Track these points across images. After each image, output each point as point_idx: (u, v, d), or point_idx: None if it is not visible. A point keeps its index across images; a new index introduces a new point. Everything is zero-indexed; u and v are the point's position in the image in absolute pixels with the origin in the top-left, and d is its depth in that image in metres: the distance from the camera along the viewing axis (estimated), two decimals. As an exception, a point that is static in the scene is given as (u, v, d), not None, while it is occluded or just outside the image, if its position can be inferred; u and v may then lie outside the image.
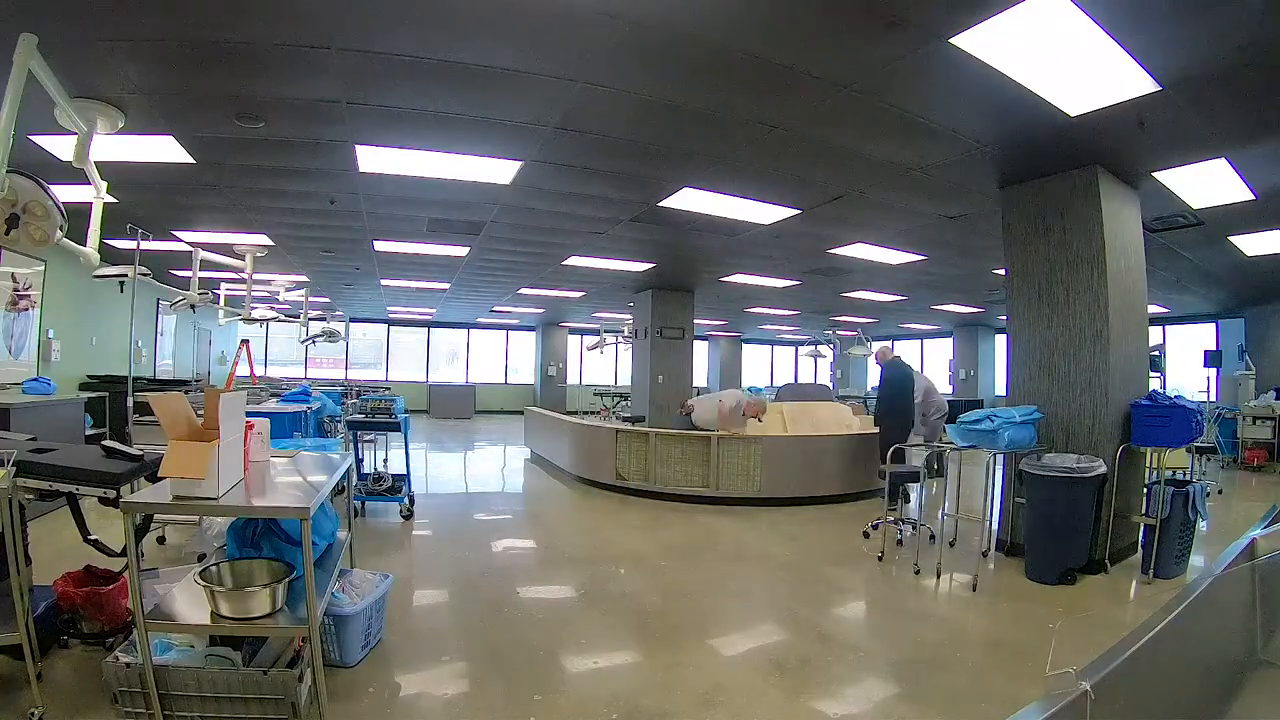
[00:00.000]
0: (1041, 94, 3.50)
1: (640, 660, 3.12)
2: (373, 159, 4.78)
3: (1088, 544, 4.35)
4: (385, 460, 7.54)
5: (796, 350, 15.60)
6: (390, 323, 18.64)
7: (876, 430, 6.69)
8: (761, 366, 23.55)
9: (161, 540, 4.56)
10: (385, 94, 3.74)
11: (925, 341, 19.22)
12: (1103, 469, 4.26)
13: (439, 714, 2.58)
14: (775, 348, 23.45)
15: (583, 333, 18.82)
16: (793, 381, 18.76)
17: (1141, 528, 4.54)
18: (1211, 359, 12.25)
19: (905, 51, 3.15)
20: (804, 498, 6.59)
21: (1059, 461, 4.36)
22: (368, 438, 7.18)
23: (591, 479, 7.36)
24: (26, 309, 7.36)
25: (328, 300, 13.62)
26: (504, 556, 4.84)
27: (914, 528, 5.19)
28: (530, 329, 19.43)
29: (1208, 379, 13.04)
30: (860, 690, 2.92)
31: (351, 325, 12.71)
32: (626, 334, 12.77)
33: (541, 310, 15.27)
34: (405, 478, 5.97)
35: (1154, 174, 4.72)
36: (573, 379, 19.67)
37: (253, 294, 6.99)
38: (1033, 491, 4.39)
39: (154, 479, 2.61)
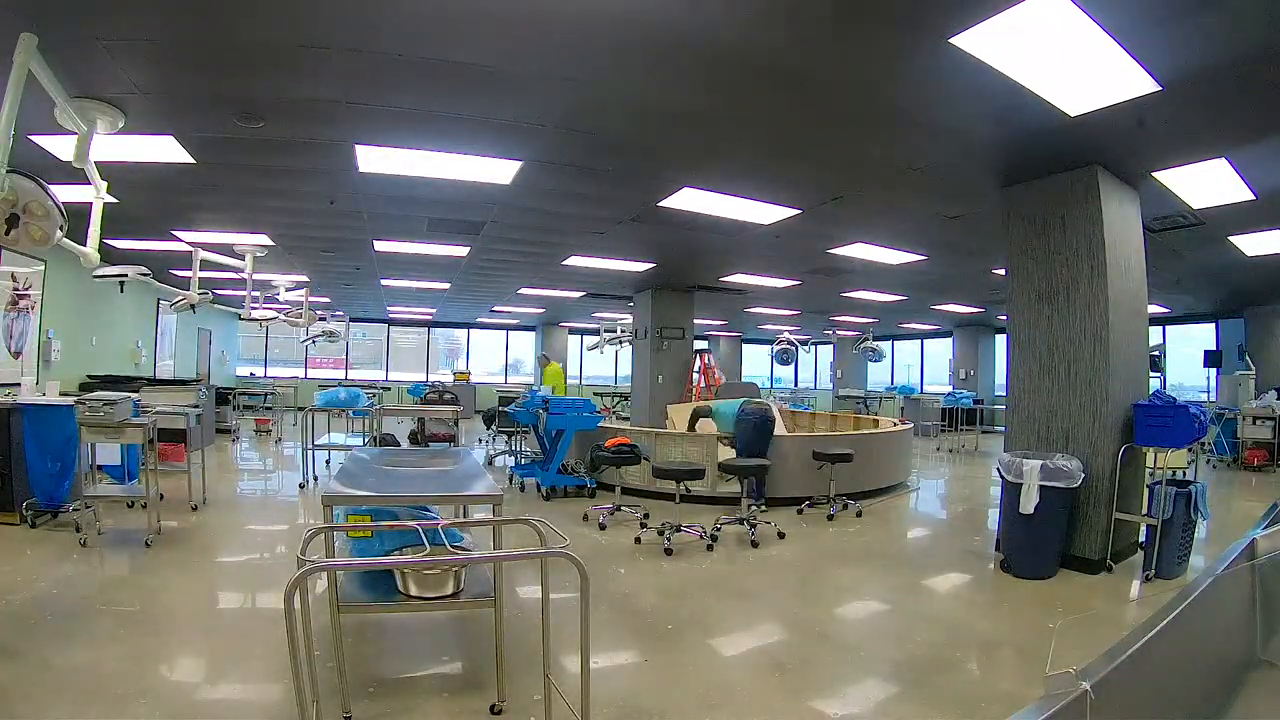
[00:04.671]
0: (1041, 94, 3.50)
1: (640, 660, 3.12)
2: (373, 159, 4.77)
3: (1062, 541, 4.43)
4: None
5: (796, 348, 15.59)
6: (390, 322, 18.65)
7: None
8: (761, 366, 23.52)
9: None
10: (385, 94, 3.74)
11: (925, 341, 19.22)
12: (1079, 480, 4.28)
13: (436, 713, 2.58)
14: (776, 347, 23.41)
15: (583, 333, 18.82)
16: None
17: (1144, 528, 4.55)
18: (1211, 359, 12.24)
19: (905, 51, 3.15)
20: (803, 498, 6.58)
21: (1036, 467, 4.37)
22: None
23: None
24: (26, 309, 7.36)
25: (328, 300, 13.62)
26: (504, 556, 4.82)
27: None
28: (530, 329, 19.43)
29: (1208, 379, 13.04)
30: (860, 689, 2.92)
31: (349, 325, 12.71)
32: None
33: (542, 310, 15.27)
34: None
35: (1154, 174, 4.71)
36: (573, 379, 19.67)
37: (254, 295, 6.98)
38: (1009, 493, 4.49)
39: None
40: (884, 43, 3.08)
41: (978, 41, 2.99)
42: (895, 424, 8.93)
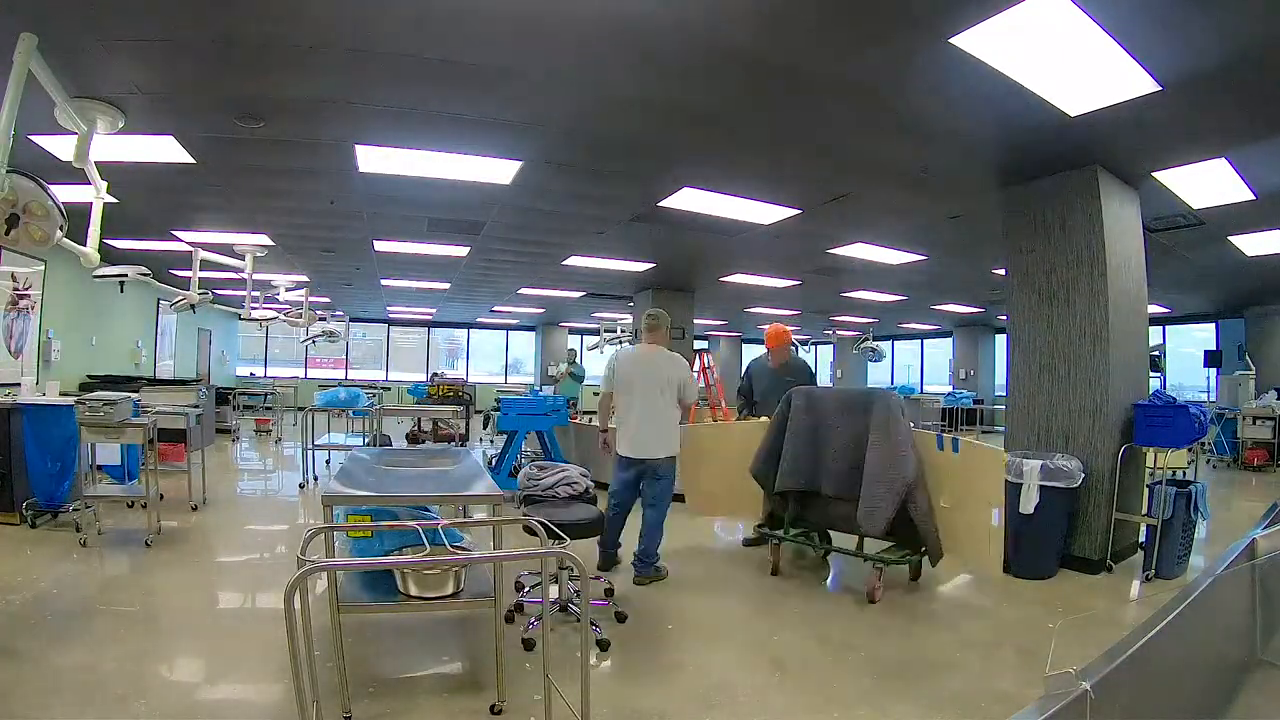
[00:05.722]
0: (1041, 94, 3.50)
1: (640, 660, 3.11)
2: (373, 159, 4.77)
3: (1062, 541, 4.44)
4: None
5: (796, 348, 15.66)
6: (390, 322, 18.65)
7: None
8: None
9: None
10: (385, 94, 3.74)
11: (925, 341, 19.22)
12: (1079, 480, 4.29)
13: (436, 713, 2.58)
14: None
15: (583, 332, 18.81)
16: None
17: (1144, 527, 4.55)
18: (1211, 359, 12.24)
19: (905, 51, 3.15)
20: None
21: (1035, 467, 4.37)
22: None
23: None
24: (26, 309, 7.36)
25: (328, 300, 13.63)
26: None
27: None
28: (530, 329, 19.43)
29: (1208, 379, 13.04)
30: (860, 689, 2.92)
31: (349, 325, 12.71)
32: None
33: (542, 310, 15.27)
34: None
35: (1154, 174, 4.71)
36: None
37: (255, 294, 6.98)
38: (1008, 493, 4.45)
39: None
40: (884, 43, 3.08)
41: (978, 41, 2.99)
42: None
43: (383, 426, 8.02)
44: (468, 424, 10.01)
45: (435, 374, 13.38)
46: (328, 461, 7.82)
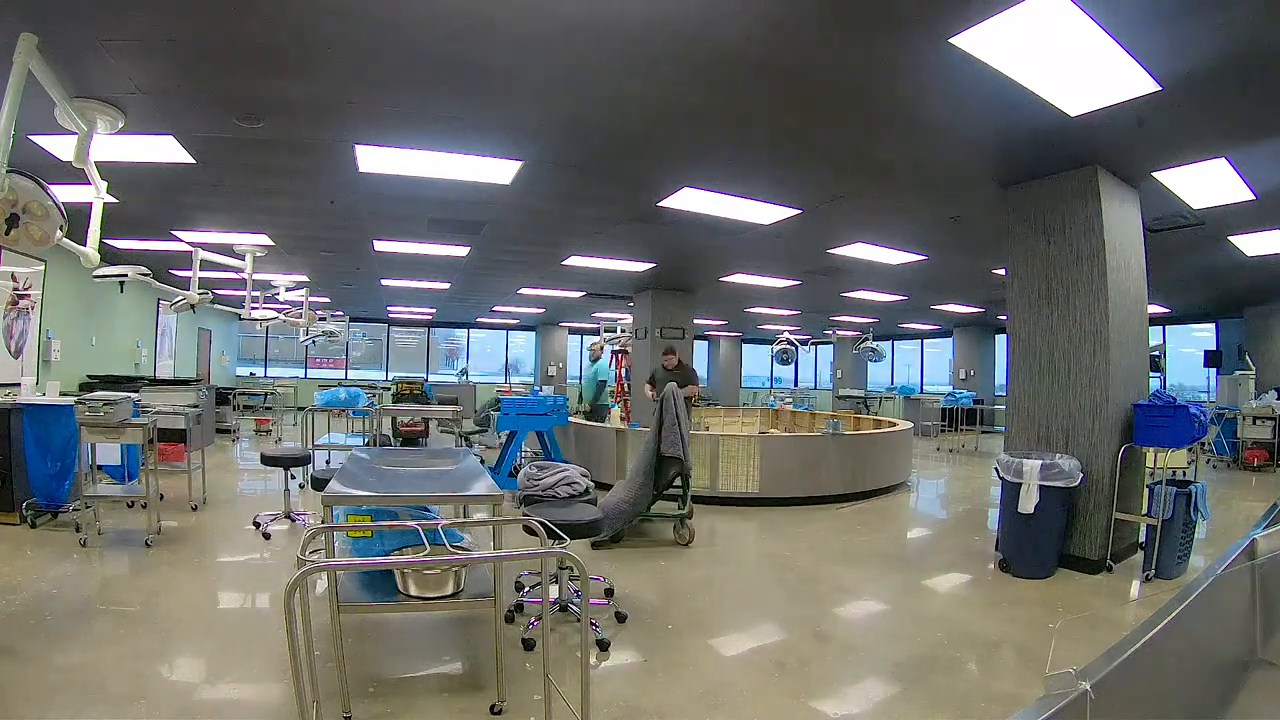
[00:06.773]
0: (1041, 94, 3.50)
1: (640, 660, 3.12)
2: (373, 159, 4.77)
3: (1061, 541, 4.45)
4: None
5: (797, 349, 15.67)
6: (390, 322, 18.65)
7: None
8: (762, 366, 23.53)
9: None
10: (385, 94, 3.74)
11: (925, 341, 19.22)
12: (1079, 480, 4.30)
13: (436, 712, 2.58)
14: (776, 347, 23.37)
15: (583, 333, 18.82)
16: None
17: (1144, 527, 4.55)
18: (1211, 359, 12.24)
19: (905, 52, 3.15)
20: (803, 498, 6.59)
21: (1035, 467, 4.37)
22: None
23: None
24: (26, 309, 7.36)
25: (328, 300, 13.62)
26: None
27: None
28: (531, 329, 19.43)
29: (1208, 379, 13.04)
30: (860, 689, 2.92)
31: (349, 325, 12.68)
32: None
33: (542, 310, 15.27)
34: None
35: (1154, 174, 4.71)
36: (573, 379, 19.67)
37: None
38: (1008, 493, 4.49)
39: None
40: (884, 43, 3.08)
41: (978, 41, 2.99)
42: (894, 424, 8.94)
43: (382, 426, 8.00)
44: (427, 424, 9.69)
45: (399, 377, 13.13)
46: (328, 461, 7.80)
